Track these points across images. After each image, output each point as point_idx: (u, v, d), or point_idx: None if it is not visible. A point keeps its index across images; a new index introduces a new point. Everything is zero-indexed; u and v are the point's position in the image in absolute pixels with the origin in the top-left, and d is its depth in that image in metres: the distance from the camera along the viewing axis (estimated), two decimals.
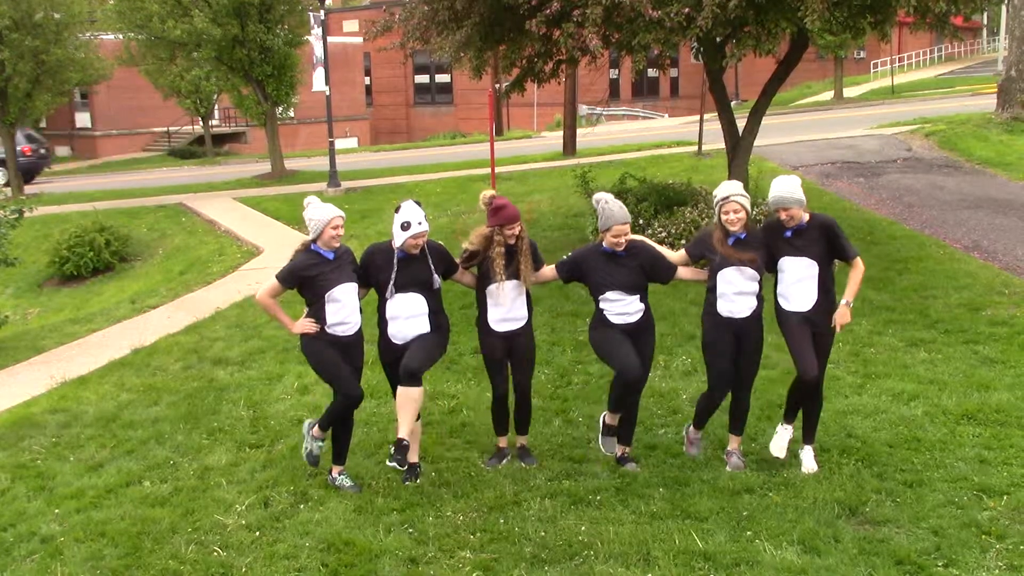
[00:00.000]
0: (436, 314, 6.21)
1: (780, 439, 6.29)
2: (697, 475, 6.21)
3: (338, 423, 6.32)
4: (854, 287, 6.09)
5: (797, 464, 6.27)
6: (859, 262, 6.12)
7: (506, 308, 6.28)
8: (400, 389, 6.04)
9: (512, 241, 6.20)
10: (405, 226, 5.97)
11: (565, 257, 6.42)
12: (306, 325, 6.08)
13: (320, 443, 6.37)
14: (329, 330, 6.06)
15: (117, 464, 7.07)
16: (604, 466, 6.46)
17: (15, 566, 5.64)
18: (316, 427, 6.35)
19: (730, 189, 6.08)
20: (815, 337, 6.09)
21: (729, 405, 6.43)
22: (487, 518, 5.77)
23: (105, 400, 8.64)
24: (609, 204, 6.08)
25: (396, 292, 6.07)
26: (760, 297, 6.12)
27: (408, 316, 6.10)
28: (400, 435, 5.98)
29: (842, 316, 6.04)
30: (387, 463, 6.27)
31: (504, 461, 6.63)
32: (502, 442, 6.74)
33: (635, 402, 6.43)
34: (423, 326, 6.13)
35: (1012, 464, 6.16)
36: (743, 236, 6.05)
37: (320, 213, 6.02)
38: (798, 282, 6.01)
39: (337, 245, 6.07)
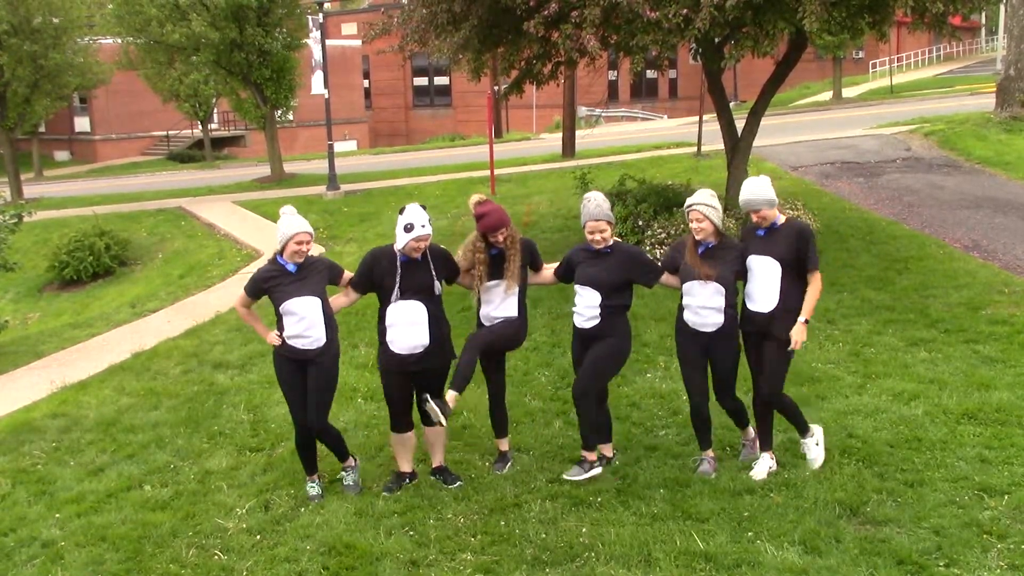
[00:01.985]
0: (438, 321, 6.14)
1: (761, 466, 6.22)
2: (698, 476, 6.20)
3: (302, 449, 6.30)
4: (811, 304, 5.96)
5: (798, 465, 6.26)
6: (817, 277, 6.00)
7: (494, 305, 6.25)
8: (429, 428, 6.35)
9: (500, 246, 6.17)
10: (408, 228, 5.90)
11: None
12: (272, 338, 6.07)
13: (314, 486, 6.30)
14: (289, 342, 6.00)
15: (117, 468, 7.06)
16: (604, 467, 6.44)
17: (16, 571, 5.64)
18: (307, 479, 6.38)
19: (695, 197, 6.06)
20: (769, 342, 6.01)
21: (727, 414, 6.41)
22: (488, 520, 5.77)
23: (105, 404, 8.63)
24: (590, 202, 6.12)
25: (400, 298, 6.01)
26: (727, 312, 6.00)
27: (408, 323, 6.02)
28: (438, 463, 6.46)
29: (798, 333, 5.88)
30: (441, 482, 6.36)
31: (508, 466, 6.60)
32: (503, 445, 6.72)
33: (588, 409, 6.16)
34: (422, 334, 6.04)
35: (1013, 463, 6.15)
36: (711, 244, 6.03)
37: (286, 227, 5.98)
38: (761, 281, 6.00)
39: (300, 260, 6.00)
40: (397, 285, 5.99)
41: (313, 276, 6.04)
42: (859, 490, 5.85)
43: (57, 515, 6.30)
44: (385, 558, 5.39)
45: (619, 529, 5.53)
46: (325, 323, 6.02)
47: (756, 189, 5.98)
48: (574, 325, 6.29)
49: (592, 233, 6.08)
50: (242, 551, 5.60)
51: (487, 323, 6.31)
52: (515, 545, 5.46)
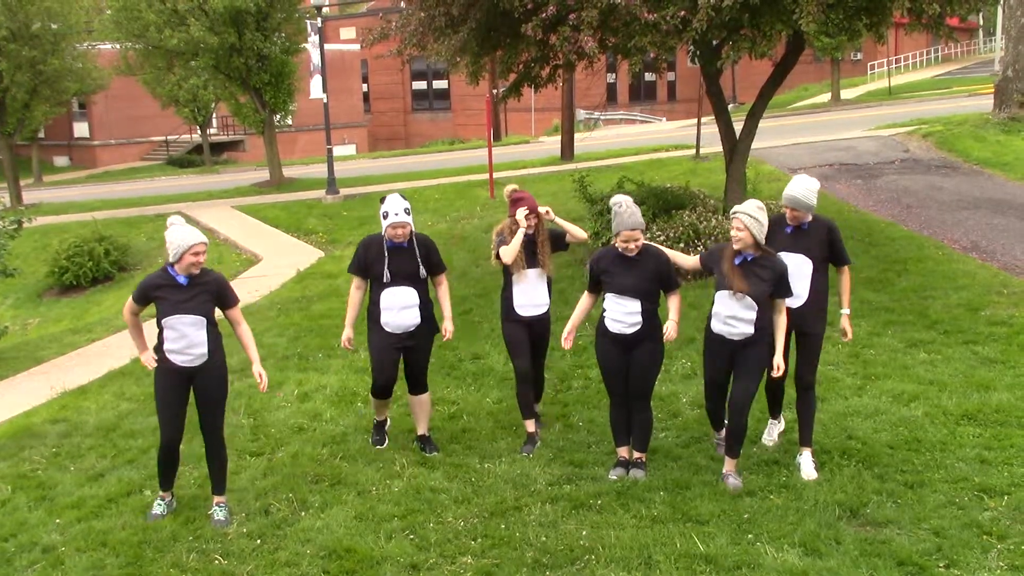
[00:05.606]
0: (425, 303, 6.70)
1: (770, 432, 6.72)
2: (698, 478, 6.20)
3: (165, 464, 6.21)
4: (848, 294, 6.34)
5: (797, 468, 6.26)
6: (848, 269, 6.31)
7: (529, 294, 6.81)
8: (414, 398, 6.98)
9: (531, 232, 6.75)
10: (384, 215, 6.49)
11: None
12: (147, 359, 5.93)
13: (161, 504, 6.24)
14: (167, 355, 5.87)
15: (118, 473, 7.06)
16: (605, 470, 6.44)
17: None
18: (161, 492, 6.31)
19: (741, 206, 5.95)
20: (802, 338, 6.14)
21: (726, 427, 6.29)
22: (488, 523, 5.77)
23: (105, 410, 8.63)
24: (622, 208, 6.02)
25: (390, 283, 6.50)
26: (757, 326, 5.83)
27: (401, 307, 6.60)
28: (423, 432, 7.01)
29: (848, 325, 6.33)
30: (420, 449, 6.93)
31: (536, 446, 6.89)
32: (530, 426, 6.99)
33: (646, 418, 6.33)
34: (414, 316, 6.64)
35: (1013, 464, 6.16)
36: (751, 257, 5.86)
37: (180, 237, 5.72)
38: (792, 277, 5.99)
39: (196, 271, 5.82)
40: (386, 268, 6.50)
41: (203, 295, 5.85)
42: (859, 491, 5.85)
43: (57, 520, 6.30)
44: (385, 562, 5.39)
45: (619, 532, 5.54)
46: (208, 341, 5.89)
47: (805, 192, 6.03)
48: (608, 331, 6.17)
49: (627, 242, 6.01)
50: (242, 555, 5.60)
51: (521, 312, 6.83)
52: (515, 548, 5.46)
